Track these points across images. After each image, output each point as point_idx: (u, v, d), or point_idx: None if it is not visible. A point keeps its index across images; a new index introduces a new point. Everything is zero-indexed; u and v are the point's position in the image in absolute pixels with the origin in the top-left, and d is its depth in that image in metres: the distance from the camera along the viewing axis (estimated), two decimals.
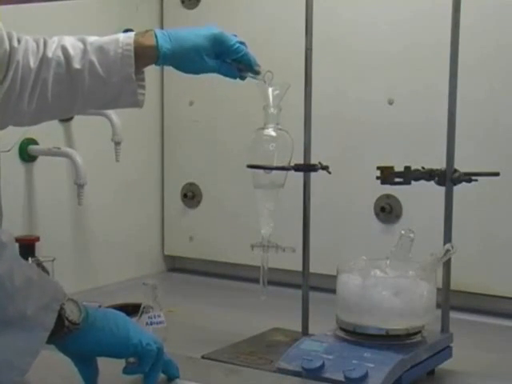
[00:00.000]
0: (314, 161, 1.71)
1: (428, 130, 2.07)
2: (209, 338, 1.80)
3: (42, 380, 1.34)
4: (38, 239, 2.05)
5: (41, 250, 2.05)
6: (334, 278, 1.56)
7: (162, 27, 2.51)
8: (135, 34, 1.52)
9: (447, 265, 1.59)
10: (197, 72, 1.58)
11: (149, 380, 1.33)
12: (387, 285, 1.49)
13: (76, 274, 2.22)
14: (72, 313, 1.24)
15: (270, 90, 1.66)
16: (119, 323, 1.31)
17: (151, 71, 2.55)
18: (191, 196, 2.53)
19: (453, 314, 1.63)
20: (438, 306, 1.57)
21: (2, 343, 1.15)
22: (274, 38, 2.29)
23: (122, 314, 1.35)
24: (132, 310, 1.90)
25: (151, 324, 1.78)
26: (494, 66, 2.02)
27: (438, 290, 1.56)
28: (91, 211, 2.31)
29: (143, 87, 1.55)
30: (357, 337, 1.49)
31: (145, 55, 1.51)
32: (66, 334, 1.24)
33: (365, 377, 1.37)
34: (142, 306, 1.79)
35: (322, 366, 1.42)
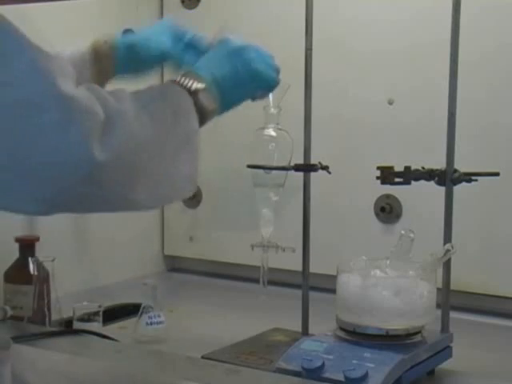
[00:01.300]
0: (313, 161, 1.71)
1: (428, 129, 2.07)
2: (209, 338, 1.80)
3: (42, 380, 1.34)
4: (38, 239, 2.05)
5: (41, 250, 2.05)
6: (333, 277, 1.55)
7: None
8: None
9: (447, 265, 1.59)
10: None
11: None
12: (387, 285, 1.49)
13: (76, 273, 2.22)
14: (207, 100, 1.22)
15: None
16: None
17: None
18: (191, 196, 2.52)
19: (453, 314, 1.63)
20: (438, 306, 1.57)
21: (170, 168, 1.16)
22: (274, 38, 2.28)
23: None
24: (132, 310, 1.91)
25: (151, 324, 1.78)
26: (494, 66, 2.02)
27: (438, 289, 1.56)
28: None
29: None
30: (357, 337, 1.49)
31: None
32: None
33: (365, 377, 1.37)
34: (142, 306, 1.79)
35: (322, 366, 1.41)
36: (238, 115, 2.38)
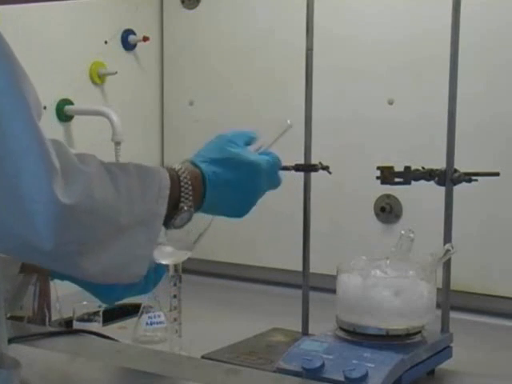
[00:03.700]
0: (314, 161, 1.71)
1: (428, 129, 2.07)
2: (209, 338, 1.80)
3: (42, 379, 1.34)
4: None
5: None
6: (333, 277, 1.55)
7: (161, 27, 2.52)
8: None
9: (447, 265, 1.59)
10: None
11: None
12: (387, 285, 1.49)
13: None
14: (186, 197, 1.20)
15: None
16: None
17: (151, 70, 2.56)
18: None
19: (453, 314, 1.63)
20: (438, 306, 1.57)
21: (125, 244, 1.11)
22: (274, 38, 2.29)
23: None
24: (132, 310, 1.91)
25: (151, 324, 1.78)
26: (493, 65, 2.02)
27: (438, 289, 1.56)
28: None
29: None
30: (357, 337, 1.49)
31: None
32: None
33: (365, 377, 1.37)
34: (142, 306, 1.79)
35: (322, 366, 1.41)
36: (238, 115, 2.40)
